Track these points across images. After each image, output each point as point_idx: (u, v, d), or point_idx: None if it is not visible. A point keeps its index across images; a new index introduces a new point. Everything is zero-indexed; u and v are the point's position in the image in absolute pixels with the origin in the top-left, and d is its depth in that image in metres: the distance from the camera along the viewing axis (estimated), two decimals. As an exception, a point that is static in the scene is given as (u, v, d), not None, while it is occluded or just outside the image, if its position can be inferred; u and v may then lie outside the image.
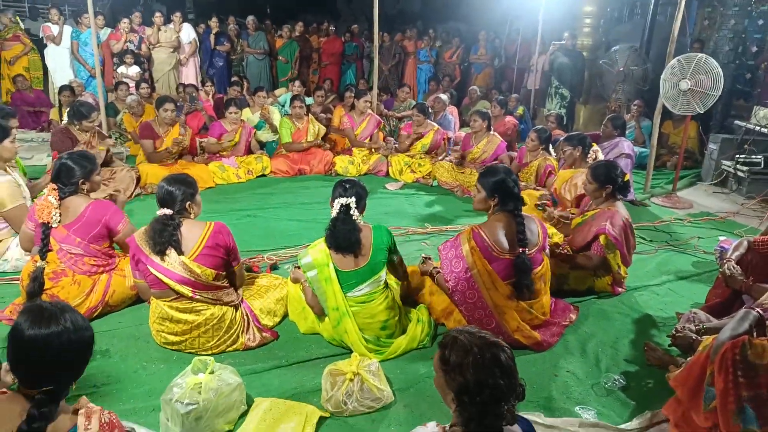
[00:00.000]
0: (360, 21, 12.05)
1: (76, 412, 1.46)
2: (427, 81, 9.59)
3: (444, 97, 7.31)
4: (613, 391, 2.44)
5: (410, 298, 3.09)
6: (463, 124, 7.83)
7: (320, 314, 2.75)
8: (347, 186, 2.66)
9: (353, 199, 2.61)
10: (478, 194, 2.83)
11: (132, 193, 4.92)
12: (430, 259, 3.08)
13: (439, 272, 2.90)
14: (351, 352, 2.58)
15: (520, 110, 8.01)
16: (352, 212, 2.60)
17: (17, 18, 8.75)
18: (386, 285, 2.74)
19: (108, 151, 5.08)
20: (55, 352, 1.40)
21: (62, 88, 6.59)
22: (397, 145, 6.45)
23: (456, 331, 1.49)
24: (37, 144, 6.68)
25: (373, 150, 6.26)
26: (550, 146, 5.10)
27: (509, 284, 2.68)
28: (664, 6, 7.94)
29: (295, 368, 2.58)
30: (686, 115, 5.39)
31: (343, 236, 2.57)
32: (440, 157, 6.01)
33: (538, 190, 4.74)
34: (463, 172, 5.55)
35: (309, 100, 7.54)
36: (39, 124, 7.55)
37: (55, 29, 7.91)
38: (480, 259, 2.64)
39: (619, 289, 3.34)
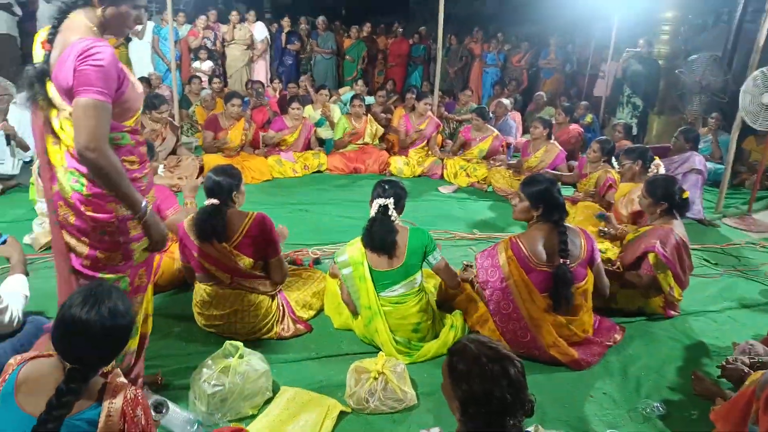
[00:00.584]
0: (432, 23, 12.02)
1: (105, 385, 1.55)
2: (492, 85, 9.43)
3: (506, 101, 7.17)
4: (650, 419, 2.30)
5: (447, 303, 3.06)
6: (527, 130, 7.63)
7: (354, 313, 2.77)
8: (386, 186, 2.68)
9: (391, 200, 2.63)
10: (521, 203, 2.77)
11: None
12: (471, 266, 3.03)
13: (478, 278, 2.85)
14: (381, 351, 2.58)
15: (588, 118, 7.71)
16: (390, 213, 2.62)
17: None
18: (421, 288, 2.73)
19: (176, 140, 5.40)
20: (90, 337, 1.45)
21: (139, 80, 6.99)
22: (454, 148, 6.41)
23: (467, 339, 1.46)
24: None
25: (428, 152, 6.24)
26: (614, 158, 4.88)
27: (547, 297, 2.59)
28: (755, 13, 7.35)
29: (324, 361, 2.63)
30: (769, 131, 4.98)
31: (378, 237, 2.59)
32: (497, 163, 5.89)
33: (595, 202, 4.54)
34: (519, 179, 5.40)
35: (371, 100, 7.62)
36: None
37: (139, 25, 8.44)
38: (517, 269, 2.57)
39: (672, 312, 3.14)
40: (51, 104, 1.76)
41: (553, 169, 5.34)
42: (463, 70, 10.46)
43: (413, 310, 2.65)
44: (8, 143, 4.66)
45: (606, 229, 3.69)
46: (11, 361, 1.58)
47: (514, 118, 7.34)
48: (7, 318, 2.07)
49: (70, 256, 1.88)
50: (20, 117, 4.67)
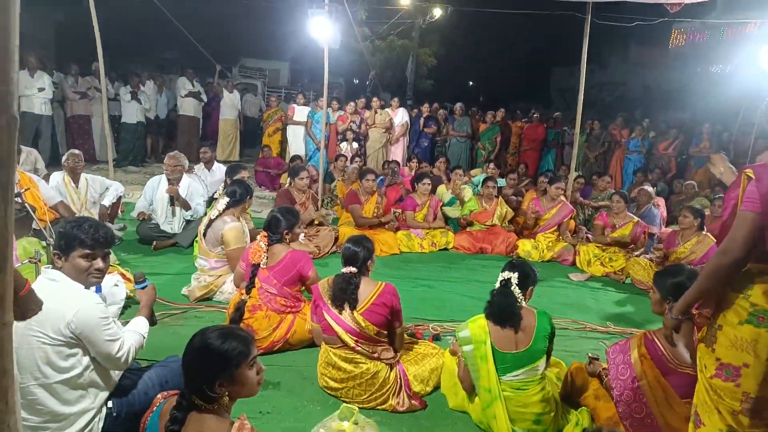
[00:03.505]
0: (572, 108, 12.02)
1: (232, 425, 1.70)
2: (634, 172, 8.99)
3: (649, 189, 6.75)
4: None
5: (573, 399, 2.85)
6: (672, 221, 7.07)
7: (470, 390, 2.71)
8: (515, 263, 2.71)
9: (515, 274, 2.62)
10: (654, 294, 2.58)
11: (329, 250, 5.54)
12: (597, 359, 2.83)
13: (608, 375, 2.64)
14: (497, 439, 2.47)
15: (748, 212, 6.94)
16: (512, 287, 2.60)
17: (282, 103, 10.92)
18: (543, 376, 2.60)
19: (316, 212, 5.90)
20: (197, 350, 1.67)
21: (293, 158, 7.87)
22: (589, 235, 6.14)
23: (608, 428, 1.38)
24: (268, 201, 8.01)
25: (558, 237, 6.06)
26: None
27: (690, 404, 2.30)
28: None
29: (436, 442, 2.57)
30: None
31: (498, 305, 2.59)
32: (637, 253, 5.50)
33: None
34: (662, 273, 4.98)
35: (502, 182, 7.67)
36: (274, 186, 9.06)
37: (297, 110, 9.60)
38: (651, 369, 2.35)
39: None
40: None
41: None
42: (604, 155, 10.14)
43: (535, 399, 2.52)
44: (171, 203, 5.33)
45: None
46: (158, 396, 1.83)
47: (658, 205, 6.86)
48: (116, 348, 2.14)
49: None
50: (189, 183, 5.41)
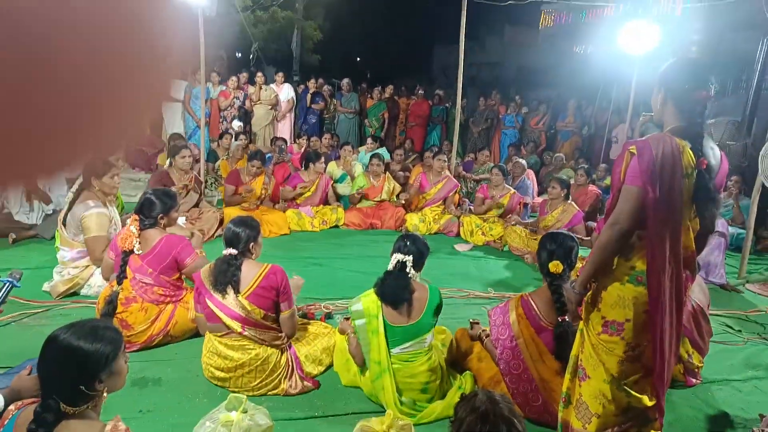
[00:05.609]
0: (454, 87, 12.43)
1: (104, 427, 1.55)
2: (507, 146, 9.62)
3: (522, 161, 7.26)
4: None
5: (458, 364, 3.00)
6: (543, 191, 7.68)
7: (361, 365, 2.74)
8: (408, 242, 2.69)
9: (410, 257, 2.64)
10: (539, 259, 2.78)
11: (214, 234, 5.27)
12: (478, 323, 2.99)
13: (488, 336, 2.81)
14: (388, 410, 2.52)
15: (607, 181, 7.73)
16: (407, 270, 2.63)
17: None
18: (431, 347, 2.69)
19: (199, 194, 5.56)
20: (56, 353, 1.51)
21: (172, 136, 7.35)
22: (471, 207, 6.46)
23: (482, 390, 1.46)
24: (143, 184, 7.40)
25: (444, 210, 6.31)
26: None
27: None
28: (773, 80, 7.41)
29: (330, 420, 2.57)
30: (791, 196, 4.92)
31: (390, 291, 2.59)
32: (513, 222, 5.90)
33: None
34: (535, 239, 5.39)
35: (384, 152, 7.81)
36: (150, 167, 8.39)
37: (174, 83, 8.91)
38: (527, 328, 2.53)
39: (693, 380, 3.02)
40: None
41: (569, 230, 5.31)
42: (488, 131, 10.64)
43: (422, 369, 2.61)
44: (28, 198, 4.72)
45: None
46: (11, 407, 1.62)
47: (530, 178, 7.40)
48: None
49: None
50: None
